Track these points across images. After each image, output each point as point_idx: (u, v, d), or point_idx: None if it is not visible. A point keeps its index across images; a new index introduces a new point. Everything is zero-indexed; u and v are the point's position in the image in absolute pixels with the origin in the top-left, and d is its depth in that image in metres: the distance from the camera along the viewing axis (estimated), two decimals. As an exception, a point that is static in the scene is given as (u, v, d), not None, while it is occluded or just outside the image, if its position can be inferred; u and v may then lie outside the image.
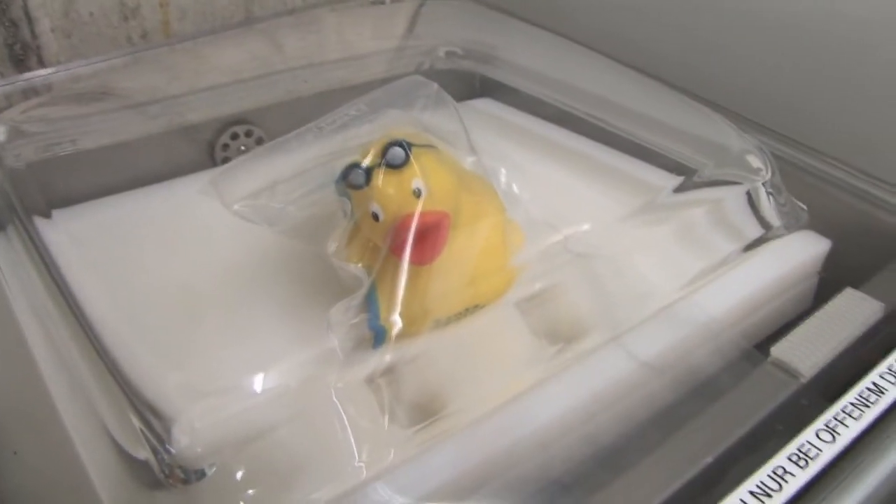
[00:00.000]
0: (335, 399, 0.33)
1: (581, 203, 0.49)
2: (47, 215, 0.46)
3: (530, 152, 0.56)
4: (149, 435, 0.29)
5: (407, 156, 0.35)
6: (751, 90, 0.53)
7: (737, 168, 0.46)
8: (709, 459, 0.34)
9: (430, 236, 0.35)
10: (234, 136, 0.57)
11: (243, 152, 0.57)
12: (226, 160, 0.57)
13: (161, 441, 0.29)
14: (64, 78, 0.59)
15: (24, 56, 0.63)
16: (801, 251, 0.46)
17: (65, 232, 0.43)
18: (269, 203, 0.36)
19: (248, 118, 0.57)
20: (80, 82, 0.59)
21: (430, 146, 0.37)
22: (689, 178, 0.46)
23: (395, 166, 0.35)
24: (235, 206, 0.35)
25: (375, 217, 0.35)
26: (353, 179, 0.35)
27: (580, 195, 0.50)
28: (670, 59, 0.55)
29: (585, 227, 0.44)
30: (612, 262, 0.41)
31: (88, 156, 0.50)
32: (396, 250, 0.35)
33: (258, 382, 0.32)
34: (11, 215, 0.41)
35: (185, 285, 0.39)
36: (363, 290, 0.35)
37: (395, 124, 0.41)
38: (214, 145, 0.57)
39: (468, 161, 0.42)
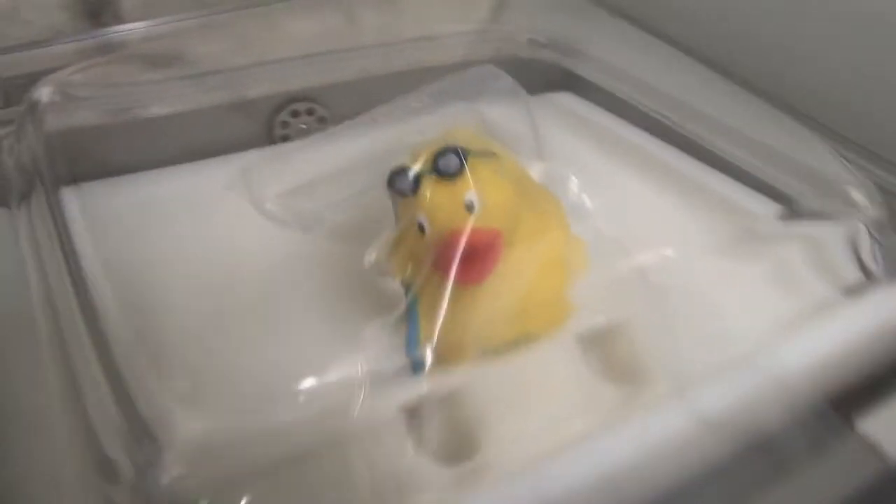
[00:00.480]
0: (357, 433, 0.29)
1: (663, 224, 0.45)
2: (76, 187, 0.43)
3: (611, 159, 0.51)
4: (136, 455, 0.26)
5: (462, 165, 0.31)
6: (869, 114, 0.47)
7: (838, 201, 0.41)
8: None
9: (480, 255, 0.32)
10: (295, 114, 0.54)
11: (303, 131, 0.55)
12: (285, 138, 0.54)
13: (150, 465, 0.26)
14: (135, 37, 0.57)
15: (99, 10, 0.61)
16: None
17: (92, 208, 0.40)
18: (306, 204, 0.32)
19: (311, 95, 0.54)
20: (150, 42, 0.57)
21: (489, 153, 0.33)
22: (786, 208, 0.41)
23: (447, 175, 0.31)
24: (267, 205, 0.32)
25: (421, 229, 0.32)
26: (399, 185, 0.32)
27: (663, 215, 0.46)
28: (785, 74, 0.50)
29: (666, 253, 0.39)
30: (693, 298, 0.36)
31: (136, 126, 0.48)
32: (442, 267, 0.31)
33: (272, 407, 0.29)
34: (37, 185, 0.38)
35: (207, 285, 0.36)
36: (400, 309, 0.32)
37: (457, 121, 0.37)
38: (273, 122, 0.54)
39: (534, 167, 0.38)
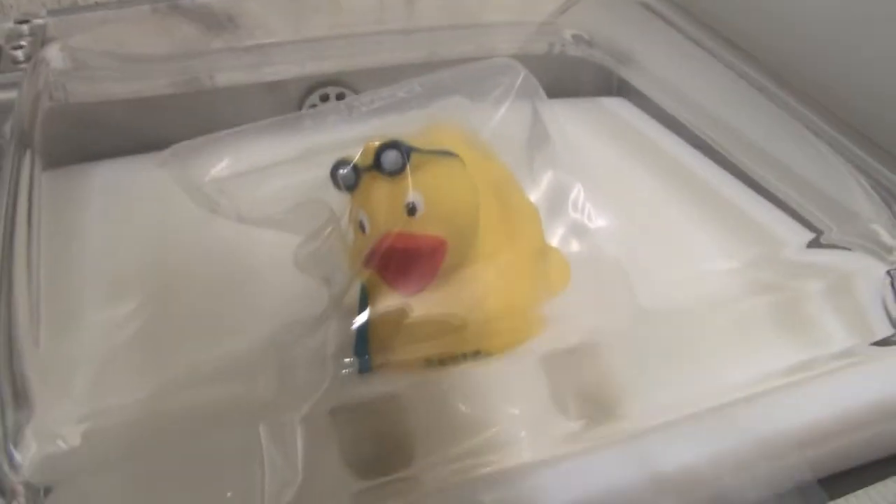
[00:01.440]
0: (260, 431, 0.27)
1: (676, 240, 0.41)
2: (66, 168, 0.43)
3: (641, 169, 0.48)
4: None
5: (403, 163, 0.28)
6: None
7: (865, 240, 0.36)
8: None
9: (418, 264, 0.29)
10: (325, 98, 0.52)
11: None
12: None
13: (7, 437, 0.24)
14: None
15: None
16: None
17: (77, 188, 0.40)
18: (245, 191, 0.30)
19: (343, 80, 0.52)
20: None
21: (448, 154, 0.30)
22: (813, 240, 0.37)
23: (387, 172, 0.28)
24: (205, 182, 0.30)
25: (361, 227, 0.29)
26: (340, 178, 0.29)
27: (680, 233, 0.42)
28: (842, 88, 0.44)
29: (668, 274, 0.36)
30: (688, 330, 0.33)
31: (150, 102, 0.47)
32: (381, 270, 0.29)
33: (162, 392, 0.27)
34: (22, 161, 0.36)
35: (153, 265, 0.35)
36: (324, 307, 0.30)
37: (449, 115, 0.34)
38: (302, 105, 0.52)
39: (545, 177, 0.35)
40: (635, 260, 0.34)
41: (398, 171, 0.28)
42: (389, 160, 0.28)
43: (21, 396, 0.25)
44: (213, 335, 0.32)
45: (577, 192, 0.36)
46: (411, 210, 0.28)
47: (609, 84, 0.56)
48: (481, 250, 0.30)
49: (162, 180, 0.32)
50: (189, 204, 0.32)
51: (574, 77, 0.55)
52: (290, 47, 0.51)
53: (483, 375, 0.31)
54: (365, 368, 0.30)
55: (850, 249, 0.36)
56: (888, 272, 0.34)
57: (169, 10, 0.51)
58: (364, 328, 0.30)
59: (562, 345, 0.32)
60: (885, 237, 0.35)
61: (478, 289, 0.30)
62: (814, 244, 0.37)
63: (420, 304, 0.29)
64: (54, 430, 0.25)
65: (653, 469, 0.29)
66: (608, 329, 0.32)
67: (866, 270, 0.35)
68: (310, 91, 0.52)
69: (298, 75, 0.51)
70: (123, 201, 0.41)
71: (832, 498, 0.30)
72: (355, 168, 0.29)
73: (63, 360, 0.29)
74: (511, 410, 0.31)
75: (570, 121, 0.38)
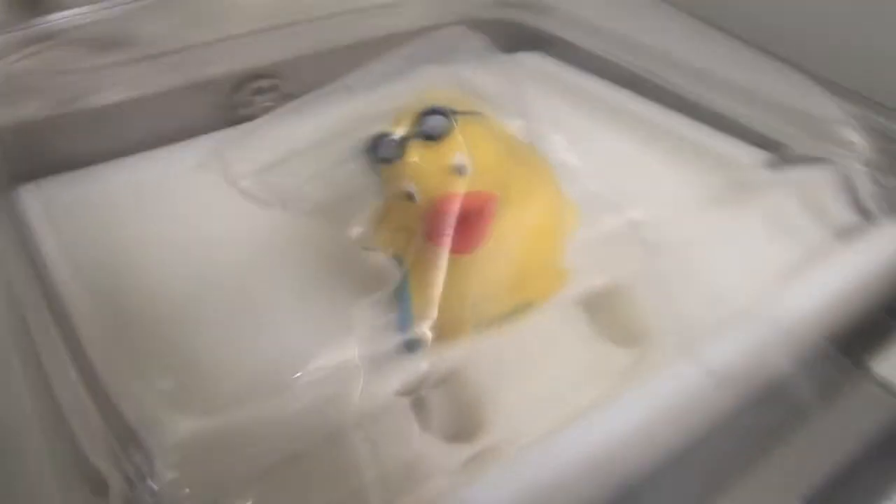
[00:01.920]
0: (358, 421, 0.27)
1: (651, 180, 0.43)
2: (33, 183, 0.41)
3: (589, 118, 0.49)
4: (125, 464, 0.24)
5: (448, 126, 0.29)
6: (846, 54, 0.45)
7: (830, 142, 0.40)
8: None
9: (474, 221, 0.30)
10: (258, 91, 0.51)
11: (269, 109, 0.52)
12: (249, 118, 0.51)
13: (139, 472, 0.24)
14: (80, 21, 0.53)
15: (37, -3, 0.58)
16: None
17: (50, 204, 0.38)
18: (283, 179, 0.30)
19: (273, 71, 0.52)
20: (97, 26, 0.53)
21: (475, 113, 0.31)
22: (777, 154, 0.40)
23: (433, 137, 0.29)
24: (243, 183, 0.30)
25: (409, 197, 0.30)
26: (383, 152, 0.30)
27: (649, 170, 0.44)
28: (755, 19, 0.48)
29: (657, 209, 0.37)
30: (688, 253, 0.35)
31: (93, 114, 0.45)
32: (433, 237, 0.30)
33: (264, 402, 0.27)
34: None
35: (182, 274, 0.34)
36: (391, 284, 0.30)
37: (435, 84, 0.35)
38: (235, 101, 0.51)
39: (515, 126, 0.36)
40: (620, 199, 0.36)
41: (444, 135, 0.29)
42: (436, 125, 0.29)
43: (132, 430, 0.24)
44: (285, 330, 0.32)
45: (556, 141, 0.38)
46: (460, 171, 0.29)
47: (524, 39, 0.58)
48: (517, 201, 0.32)
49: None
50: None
51: (491, 38, 0.57)
52: (209, 48, 0.50)
53: (532, 328, 0.32)
54: (415, 345, 0.30)
55: (817, 157, 0.39)
56: (859, 165, 0.38)
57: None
58: (408, 302, 0.30)
59: (589, 287, 0.34)
60: (851, 137, 0.39)
61: (524, 238, 0.31)
62: (780, 158, 0.40)
63: (480, 264, 0.30)
64: (182, 452, 0.24)
65: (706, 372, 0.32)
66: (624, 267, 0.35)
67: (835, 171, 0.39)
68: (240, 86, 0.51)
69: (226, 73, 0.50)
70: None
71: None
72: (400, 138, 0.29)
73: (153, 381, 0.28)
74: (566, 355, 0.33)
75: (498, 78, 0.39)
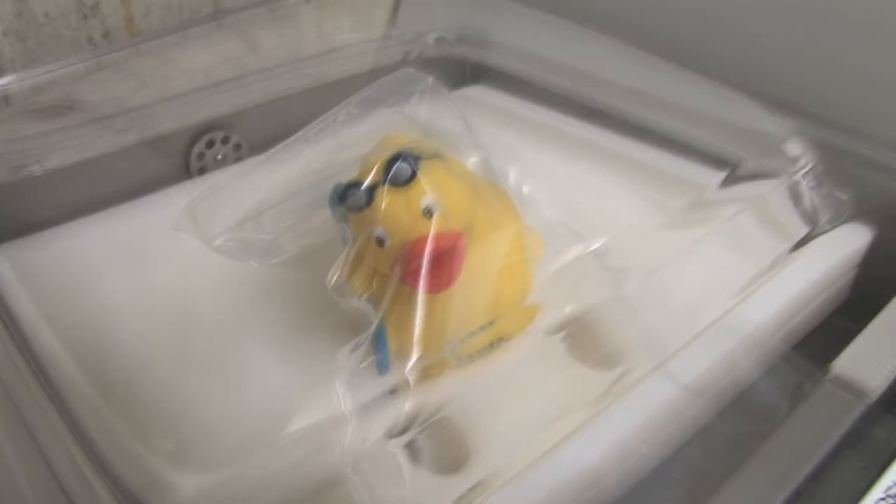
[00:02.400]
0: (352, 468, 0.28)
1: (607, 205, 0.44)
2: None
3: (540, 147, 0.51)
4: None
5: (413, 172, 0.30)
6: (779, 71, 0.48)
7: (776, 158, 0.42)
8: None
9: (446, 260, 0.31)
10: (210, 144, 0.52)
11: (221, 161, 0.53)
12: (202, 170, 0.52)
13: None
14: (21, 88, 0.53)
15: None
16: (845, 245, 0.42)
17: (18, 266, 0.38)
18: (256, 235, 0.31)
19: (224, 123, 0.52)
20: (40, 93, 0.53)
21: (437, 156, 0.32)
22: (730, 174, 0.41)
23: (400, 183, 0.30)
24: (217, 242, 0.30)
25: (380, 242, 0.31)
26: (353, 202, 0.30)
27: (605, 195, 0.45)
28: (682, 40, 0.50)
29: (618, 235, 0.38)
30: (653, 276, 0.36)
31: (51, 177, 0.45)
32: (409, 279, 0.30)
33: (262, 455, 0.27)
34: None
35: (163, 331, 0.34)
36: (372, 328, 0.31)
37: (392, 127, 0.36)
38: (189, 155, 0.52)
39: (471, 161, 0.37)
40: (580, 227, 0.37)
41: (409, 180, 0.30)
42: (401, 171, 0.30)
43: (136, 495, 0.24)
44: (273, 380, 0.32)
45: (512, 173, 0.39)
46: (428, 213, 0.30)
47: (463, 74, 0.59)
48: (484, 236, 0.32)
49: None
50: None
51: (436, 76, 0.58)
52: (159, 107, 0.51)
53: (509, 360, 0.33)
54: (397, 388, 0.31)
55: (767, 172, 0.41)
56: (800, 178, 0.40)
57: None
58: (385, 343, 0.31)
59: (560, 316, 0.35)
60: (793, 148, 0.41)
61: (494, 270, 0.32)
62: (735, 173, 0.42)
63: (455, 298, 0.31)
64: None
65: (680, 386, 0.33)
66: (590, 293, 0.36)
67: (784, 183, 0.40)
68: (194, 140, 0.51)
69: (178, 128, 0.51)
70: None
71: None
72: (368, 186, 0.30)
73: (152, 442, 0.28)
74: (544, 386, 0.33)
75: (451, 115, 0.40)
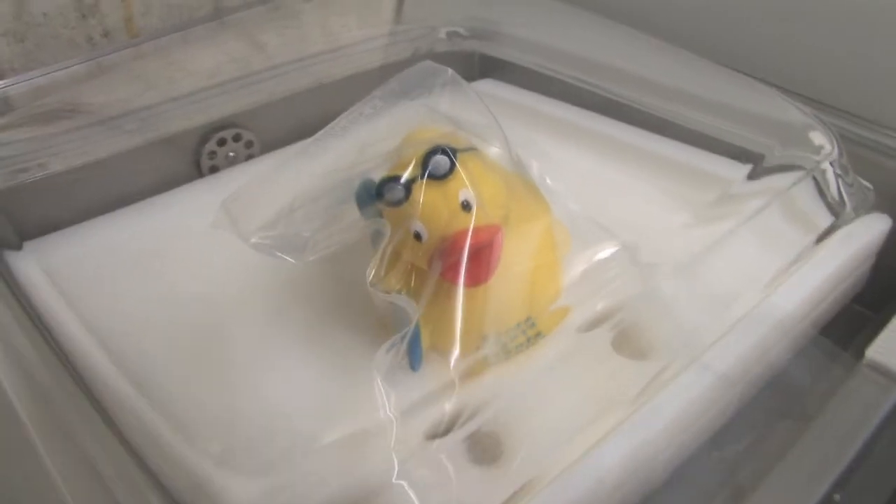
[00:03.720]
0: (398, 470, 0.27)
1: (631, 201, 0.44)
2: (17, 247, 0.40)
3: (554, 142, 0.50)
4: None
5: (452, 164, 0.30)
6: (794, 62, 0.47)
7: (802, 148, 0.41)
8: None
9: (485, 254, 0.30)
10: (222, 142, 0.51)
11: (233, 159, 0.52)
12: (213, 169, 0.51)
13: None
14: (21, 91, 0.53)
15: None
16: (867, 234, 0.42)
17: (40, 266, 0.37)
18: (291, 231, 0.30)
19: (234, 122, 0.52)
20: (41, 95, 0.53)
21: (472, 148, 0.32)
22: (757, 166, 0.41)
23: (439, 177, 0.29)
24: (253, 240, 0.30)
25: (418, 237, 0.30)
26: (390, 196, 0.30)
27: (628, 192, 0.45)
28: (700, 33, 0.50)
29: (645, 230, 0.38)
30: (685, 271, 0.36)
31: (60, 178, 0.44)
32: (447, 273, 0.30)
33: (308, 458, 0.27)
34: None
35: (194, 332, 0.34)
36: (405, 325, 0.30)
37: (419, 120, 0.35)
38: (200, 154, 0.51)
39: (496, 152, 0.36)
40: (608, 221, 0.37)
41: (448, 174, 0.29)
42: (440, 164, 0.29)
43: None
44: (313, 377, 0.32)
45: (535, 166, 0.39)
46: (467, 206, 0.30)
47: (472, 68, 0.58)
48: (519, 228, 0.32)
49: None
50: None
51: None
52: (168, 106, 0.50)
53: (545, 356, 0.32)
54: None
55: (794, 164, 0.40)
56: (828, 165, 0.40)
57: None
58: (418, 340, 0.31)
59: (592, 313, 0.34)
60: (818, 138, 0.41)
61: (529, 261, 0.32)
62: (762, 165, 0.41)
63: (493, 291, 0.30)
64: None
65: (716, 376, 0.33)
66: (621, 290, 0.35)
67: (810, 174, 0.40)
68: (205, 139, 0.51)
69: (189, 128, 0.50)
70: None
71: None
72: (406, 181, 0.30)
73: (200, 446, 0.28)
74: (581, 381, 0.33)
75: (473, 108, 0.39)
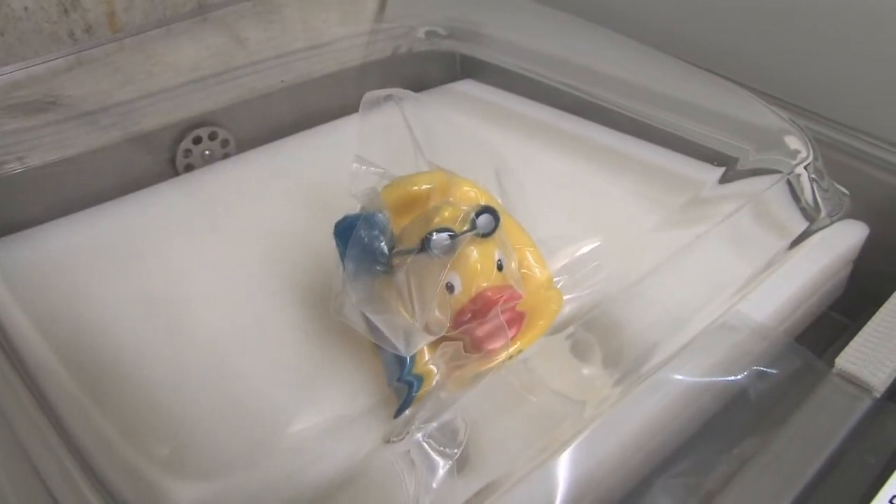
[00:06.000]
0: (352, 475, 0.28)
1: (603, 203, 0.43)
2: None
3: (530, 143, 0.49)
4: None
5: (496, 224, 0.31)
6: (770, 66, 0.49)
7: (777, 152, 0.42)
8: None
9: (514, 318, 0.32)
10: (197, 140, 0.51)
11: (209, 157, 0.52)
12: (188, 167, 0.51)
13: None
14: (2, 83, 0.52)
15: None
16: (843, 241, 0.42)
17: (4, 266, 0.37)
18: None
19: (211, 119, 0.52)
20: (20, 89, 0.52)
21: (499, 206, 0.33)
22: (730, 169, 0.41)
23: (484, 234, 0.31)
24: None
25: (450, 289, 0.31)
26: (438, 249, 0.30)
27: (601, 194, 0.44)
28: (677, 36, 0.51)
29: (615, 233, 0.38)
30: (652, 276, 0.36)
31: (33, 174, 0.44)
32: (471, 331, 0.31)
33: (260, 462, 0.27)
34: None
35: (157, 331, 0.33)
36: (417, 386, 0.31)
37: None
38: (175, 152, 0.51)
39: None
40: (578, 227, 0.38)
41: (491, 233, 0.31)
42: (487, 223, 0.31)
43: None
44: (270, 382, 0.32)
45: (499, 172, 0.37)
46: (500, 266, 0.31)
47: (453, 70, 0.60)
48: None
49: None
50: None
51: (423, 72, 0.59)
52: (143, 102, 0.50)
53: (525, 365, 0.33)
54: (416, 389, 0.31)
55: (768, 167, 0.40)
56: (803, 170, 0.40)
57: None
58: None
59: (558, 318, 0.34)
60: (794, 142, 0.41)
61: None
62: (735, 169, 0.41)
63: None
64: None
65: (685, 381, 0.34)
66: (588, 294, 0.36)
67: (784, 178, 0.40)
68: (180, 137, 0.51)
69: (164, 125, 0.50)
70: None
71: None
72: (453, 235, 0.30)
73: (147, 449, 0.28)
74: (552, 388, 0.33)
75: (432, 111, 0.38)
